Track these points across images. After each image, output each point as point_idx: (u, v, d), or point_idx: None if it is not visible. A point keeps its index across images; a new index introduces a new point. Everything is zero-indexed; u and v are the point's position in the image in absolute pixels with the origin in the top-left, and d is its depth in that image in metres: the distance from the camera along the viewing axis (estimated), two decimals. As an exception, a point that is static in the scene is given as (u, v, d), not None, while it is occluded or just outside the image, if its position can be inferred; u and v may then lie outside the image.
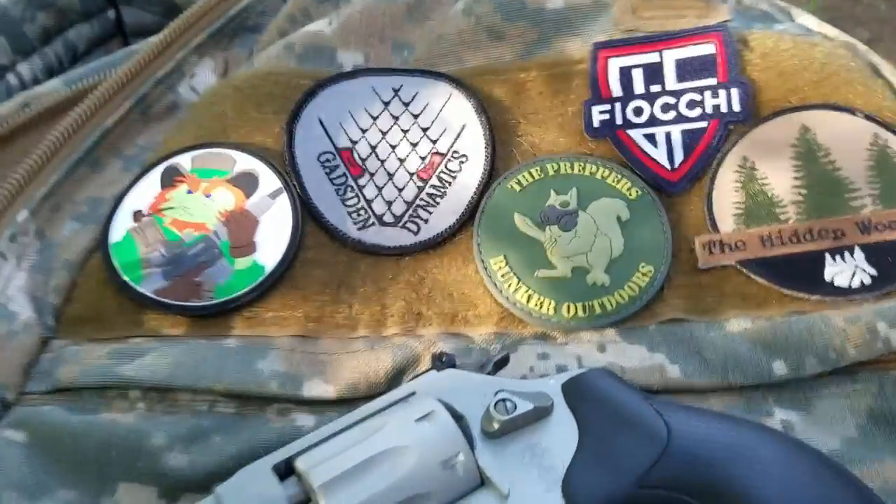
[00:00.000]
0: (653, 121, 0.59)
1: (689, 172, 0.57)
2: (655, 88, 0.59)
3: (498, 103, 0.61)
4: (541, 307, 0.54)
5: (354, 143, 0.61)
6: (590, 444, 0.44)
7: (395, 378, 0.52)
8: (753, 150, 0.57)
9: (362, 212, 0.59)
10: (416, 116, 0.62)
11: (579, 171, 0.58)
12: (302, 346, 0.54)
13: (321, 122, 0.62)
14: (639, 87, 0.60)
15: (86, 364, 0.52)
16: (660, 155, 0.58)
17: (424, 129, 0.61)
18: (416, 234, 0.58)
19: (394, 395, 0.47)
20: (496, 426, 0.44)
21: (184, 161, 0.60)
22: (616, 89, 0.60)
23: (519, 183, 0.58)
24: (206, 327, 0.55)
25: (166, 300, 0.55)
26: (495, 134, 0.60)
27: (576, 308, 0.54)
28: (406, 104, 0.62)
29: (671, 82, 0.59)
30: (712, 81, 0.59)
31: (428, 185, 0.60)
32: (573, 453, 0.44)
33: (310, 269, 0.57)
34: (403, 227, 0.59)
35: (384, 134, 0.62)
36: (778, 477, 0.42)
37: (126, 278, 0.56)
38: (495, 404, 0.44)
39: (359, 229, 0.58)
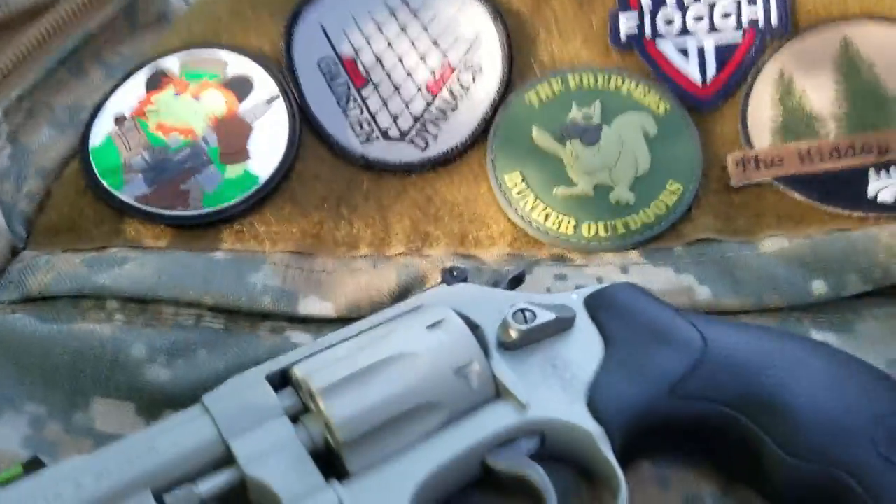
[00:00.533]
0: (684, 31, 0.54)
1: (722, 88, 0.53)
2: (688, -3, 0.55)
3: (516, 12, 0.56)
4: (559, 226, 0.50)
5: (358, 51, 0.56)
6: (616, 356, 0.40)
7: (401, 297, 0.47)
8: (791, 63, 0.53)
9: (365, 125, 0.54)
10: (425, 25, 0.57)
11: (604, 84, 0.54)
12: (298, 263, 0.49)
13: (322, 28, 0.57)
14: (669, -6, 0.55)
15: (59, 272, 0.47)
16: (691, 69, 0.54)
17: (435, 39, 0.57)
18: (423, 150, 0.53)
19: (400, 308, 0.42)
20: (514, 336, 0.40)
21: (172, 63, 0.55)
22: (645, -3, 0.55)
23: (538, 96, 0.54)
24: (192, 239, 0.50)
25: (149, 207, 0.50)
26: (512, 45, 0.55)
27: (597, 227, 0.50)
28: (415, 12, 0.57)
29: (704, -10, 0.55)
30: (749, -10, 0.54)
31: (438, 99, 0.55)
32: (598, 365, 0.40)
33: (308, 182, 0.52)
34: (410, 142, 0.54)
35: (391, 43, 0.57)
36: (822, 385, 0.38)
37: (105, 184, 0.51)
38: (513, 314, 0.40)
39: (361, 143, 0.54)
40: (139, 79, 0.55)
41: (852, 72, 0.52)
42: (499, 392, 0.39)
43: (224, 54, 0.55)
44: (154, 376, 0.44)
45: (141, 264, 0.47)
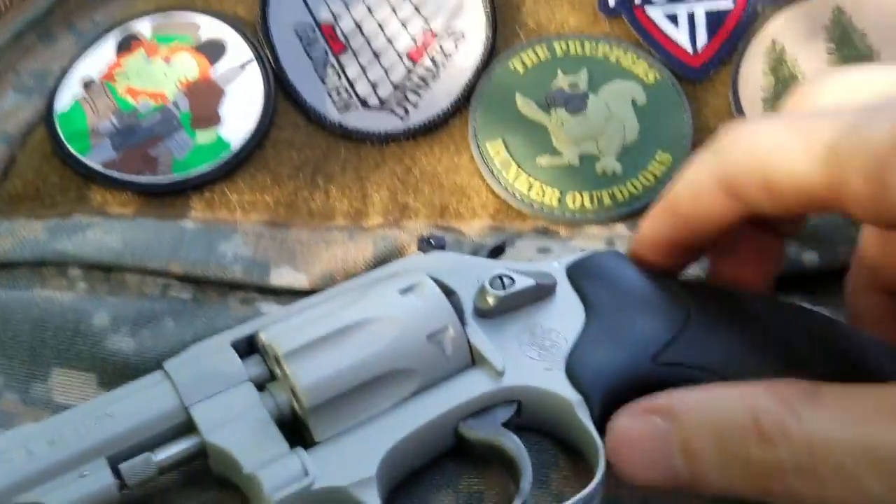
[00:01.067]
0: (674, -2, 0.53)
1: (713, 56, 0.51)
2: (678, -38, 0.53)
3: (501, -24, 0.55)
4: (543, 197, 0.48)
5: (337, 17, 0.54)
6: (597, 324, 0.38)
7: (377, 269, 0.46)
8: (783, 32, 0.51)
9: (343, 92, 0.52)
10: (407, -9, 0.55)
11: (591, 52, 0.52)
12: (271, 233, 0.47)
13: (300, -8, 0.55)
14: (659, -40, 0.53)
15: (19, 238, 0.45)
16: (681, 36, 0.52)
17: (416, 5, 0.55)
18: (403, 118, 0.52)
19: (374, 275, 0.40)
20: (491, 303, 0.38)
21: (143, 27, 0.53)
22: (634, -38, 0.53)
23: (522, 63, 0.52)
24: (160, 206, 0.48)
25: (116, 173, 0.48)
26: (497, 10, 0.54)
27: (582, 198, 0.48)
28: (397, -23, 0.55)
29: (696, -44, 0.53)
30: (741, -43, 0.53)
31: (419, 67, 0.53)
32: (578, 333, 0.38)
33: (282, 150, 0.50)
34: (390, 110, 0.52)
35: (371, 9, 0.55)
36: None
37: (71, 149, 0.49)
38: (491, 280, 0.38)
39: (339, 111, 0.52)
40: (109, 42, 0.53)
41: (845, 41, 0.51)
42: (474, 360, 0.37)
43: (197, 17, 0.53)
44: (117, 346, 0.41)
45: (106, 231, 0.45)
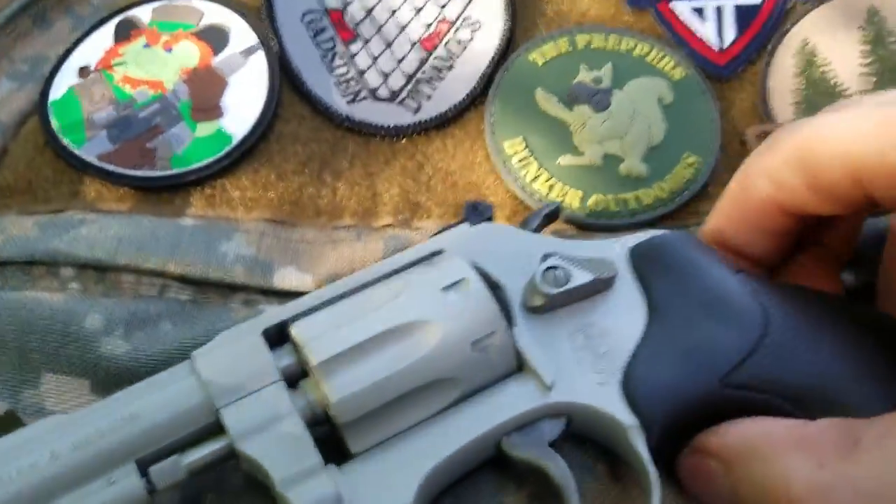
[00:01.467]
0: (703, -9, 0.50)
1: (741, 53, 0.49)
2: (707, -47, 0.50)
3: (521, -36, 0.52)
4: (564, 199, 0.45)
5: (347, 3, 0.52)
6: (661, 326, 0.34)
7: (387, 272, 0.43)
8: (815, 31, 0.49)
9: (353, 83, 0.50)
10: (421, -22, 0.52)
11: (615, 45, 0.49)
12: (274, 231, 0.45)
13: (308, -22, 0.52)
14: (688, -50, 0.51)
15: (8, 236, 0.43)
16: (708, 32, 0.49)
17: (431, -7, 0.52)
18: (416, 112, 0.49)
19: (414, 253, 0.36)
20: (542, 301, 0.34)
21: (142, 13, 0.50)
22: (661, -47, 0.51)
23: (542, 55, 0.49)
24: (158, 203, 0.45)
25: (112, 167, 0.45)
26: (516, 12, 0.51)
27: (606, 201, 0.45)
28: (410, -37, 0.53)
29: (726, -53, 0.50)
30: (774, -51, 0.50)
31: (433, 57, 0.50)
32: (639, 339, 0.34)
33: (287, 143, 0.48)
34: (401, 103, 0.49)
35: (383, -5, 0.52)
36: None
37: (65, 141, 0.46)
38: (543, 272, 0.34)
39: (348, 103, 0.49)
40: (107, 29, 0.50)
41: (880, 42, 0.48)
42: (521, 364, 0.34)
43: (200, 3, 0.50)
44: (110, 350, 0.39)
45: (100, 228, 0.43)
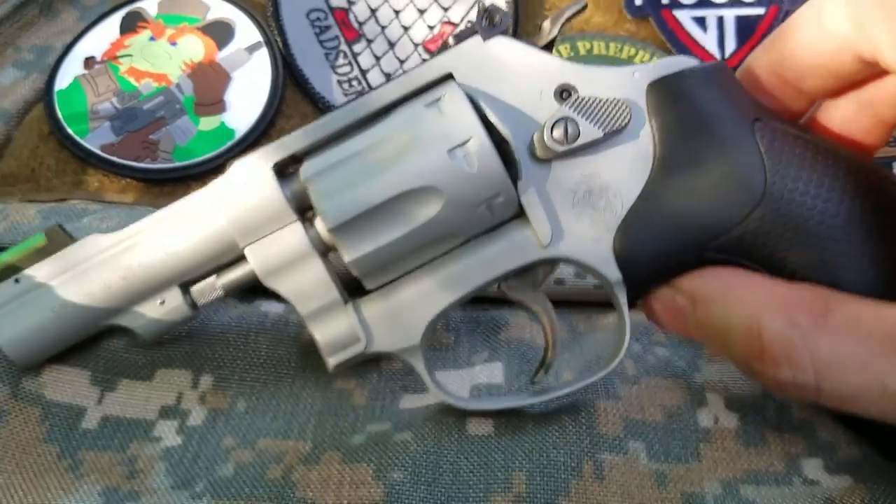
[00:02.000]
0: (704, 2, 0.50)
1: (741, 63, 0.49)
2: (710, -36, 0.51)
3: (524, -31, 0.52)
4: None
5: (352, 3, 0.52)
6: (661, 185, 0.34)
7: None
8: (817, 43, 0.49)
9: (355, 82, 0.50)
10: (426, -21, 0.53)
11: (615, 52, 0.50)
12: (274, 226, 0.46)
13: (314, -24, 0.53)
14: (691, -40, 0.51)
15: (12, 222, 0.43)
16: (709, 41, 0.50)
17: (435, -5, 0.53)
18: (416, 112, 0.49)
19: (423, 74, 0.35)
20: (549, 154, 0.34)
21: (149, 6, 0.51)
22: (664, -39, 0.51)
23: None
24: (159, 195, 0.46)
25: (115, 158, 0.46)
26: (519, 5, 0.51)
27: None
28: (415, -36, 0.53)
29: (729, -42, 0.51)
30: (776, -39, 0.51)
31: (435, 59, 0.51)
32: (638, 192, 0.34)
33: (289, 140, 0.48)
34: (403, 103, 0.50)
35: (387, -4, 0.53)
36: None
37: (70, 130, 0.46)
38: (553, 125, 0.33)
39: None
40: (113, 20, 0.51)
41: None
42: (522, 211, 0.35)
43: (206, -2, 0.51)
44: (109, 340, 0.40)
45: (102, 219, 0.43)
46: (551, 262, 0.35)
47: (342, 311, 0.35)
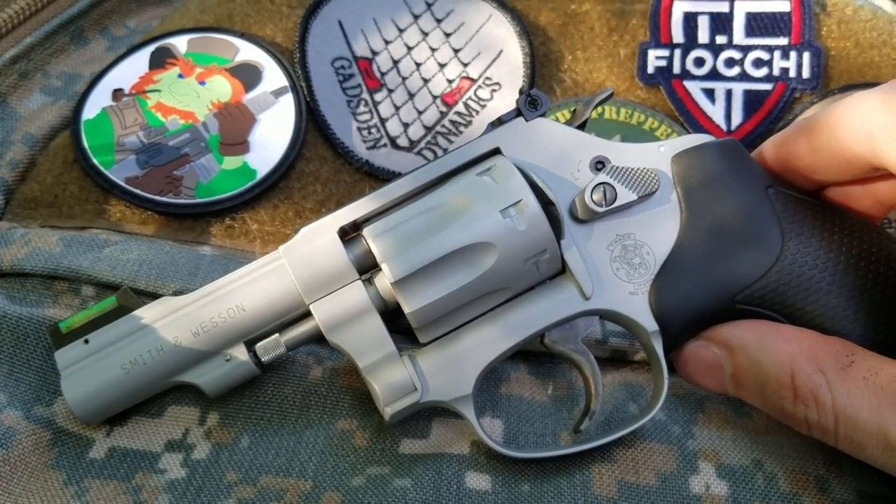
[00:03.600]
0: (714, 75, 0.52)
1: (747, 136, 0.51)
2: (721, 40, 0.53)
3: (543, 32, 0.54)
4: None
5: (375, 53, 0.54)
6: (691, 241, 0.38)
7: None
8: (820, 121, 0.51)
9: (374, 130, 0.52)
10: (448, 35, 0.55)
11: (625, 117, 0.52)
12: (288, 267, 0.47)
13: (340, 25, 0.54)
14: (703, 35, 0.53)
15: (34, 248, 0.44)
16: (717, 113, 0.52)
17: (456, 50, 0.54)
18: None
19: (473, 150, 0.39)
20: (589, 215, 0.38)
21: (179, 43, 0.52)
22: (678, 35, 0.53)
23: (556, 120, 0.51)
24: (179, 229, 0.47)
25: (137, 191, 0.47)
26: (536, 65, 0.53)
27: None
28: (438, 20, 0.55)
29: (739, 36, 0.53)
30: (783, 41, 0.53)
31: (452, 111, 0.53)
32: (668, 251, 0.38)
33: (307, 182, 0.50)
34: (419, 153, 0.52)
35: (410, 49, 0.54)
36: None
37: (95, 160, 0.48)
38: (593, 189, 0.38)
39: (368, 149, 0.51)
40: (143, 55, 0.52)
41: (881, 136, 0.51)
42: (565, 268, 0.38)
43: (236, 40, 0.52)
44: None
45: (122, 250, 0.45)
46: (592, 315, 0.39)
47: (399, 362, 0.38)
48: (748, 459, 0.39)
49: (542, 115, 0.40)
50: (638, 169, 0.38)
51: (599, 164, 0.39)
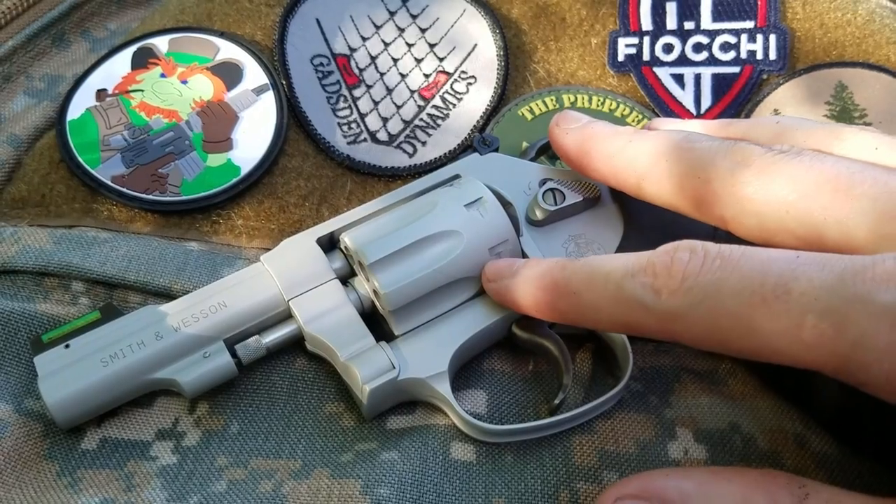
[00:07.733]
0: (683, 60, 0.54)
1: (716, 118, 0.52)
2: (689, 26, 0.54)
3: (516, 24, 0.56)
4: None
5: (353, 50, 0.55)
6: (632, 240, 0.43)
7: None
8: (785, 102, 0.53)
9: (354, 125, 0.53)
10: (423, 30, 0.56)
11: (598, 105, 0.53)
12: (273, 259, 0.48)
13: (318, 23, 0.56)
14: (671, 22, 0.55)
15: (24, 245, 0.45)
16: (686, 98, 0.53)
17: (432, 45, 0.56)
18: (411, 156, 0.52)
19: (437, 176, 0.45)
20: (542, 216, 0.44)
21: (160, 43, 0.53)
22: (647, 22, 0.55)
23: (531, 111, 0.53)
24: (166, 226, 0.48)
25: (124, 189, 0.48)
26: (510, 57, 0.55)
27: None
28: (414, 16, 0.56)
29: (706, 21, 0.54)
30: (750, 24, 0.54)
31: (430, 105, 0.54)
32: (617, 244, 0.43)
33: (290, 178, 0.51)
34: (398, 147, 0.53)
35: (387, 45, 0.56)
36: None
37: (81, 160, 0.49)
38: (544, 193, 0.44)
39: (348, 143, 0.52)
40: (125, 55, 0.53)
41: (845, 117, 0.52)
42: None
43: (216, 39, 0.53)
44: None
45: (111, 247, 0.46)
46: None
47: (377, 348, 0.40)
48: (725, 423, 0.41)
49: (495, 150, 0.46)
50: (581, 177, 0.44)
51: (549, 185, 0.44)
